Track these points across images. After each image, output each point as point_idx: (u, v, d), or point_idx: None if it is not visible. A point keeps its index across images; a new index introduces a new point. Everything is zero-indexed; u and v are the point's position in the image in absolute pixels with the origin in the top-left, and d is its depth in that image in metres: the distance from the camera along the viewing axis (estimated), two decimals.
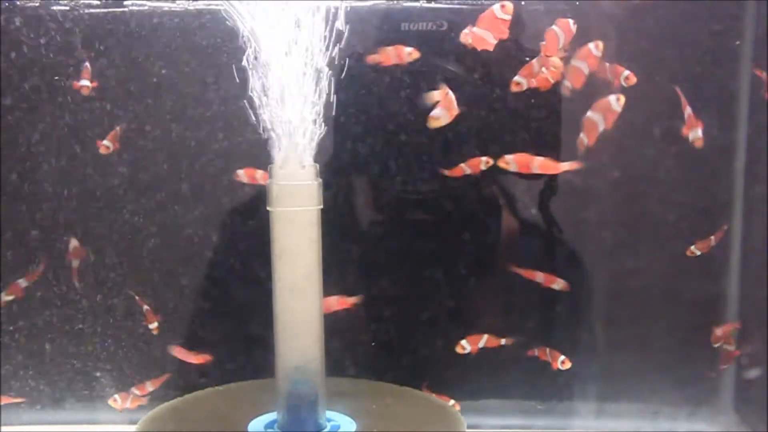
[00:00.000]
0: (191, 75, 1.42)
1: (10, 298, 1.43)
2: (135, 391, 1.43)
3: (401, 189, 1.42)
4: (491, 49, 1.22)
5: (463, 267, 1.44)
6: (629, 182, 1.44)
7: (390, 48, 1.28)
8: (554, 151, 1.40)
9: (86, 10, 1.40)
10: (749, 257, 1.47)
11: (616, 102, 1.17)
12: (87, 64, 1.37)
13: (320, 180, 1.09)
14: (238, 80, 1.06)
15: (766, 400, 1.41)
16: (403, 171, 1.41)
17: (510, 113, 1.38)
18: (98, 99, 1.41)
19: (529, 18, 1.37)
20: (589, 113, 1.17)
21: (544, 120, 1.39)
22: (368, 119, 1.40)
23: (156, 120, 1.44)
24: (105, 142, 1.38)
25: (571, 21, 1.23)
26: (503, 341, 1.37)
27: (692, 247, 1.36)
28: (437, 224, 1.44)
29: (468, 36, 1.21)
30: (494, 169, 1.41)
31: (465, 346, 1.35)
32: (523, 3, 1.37)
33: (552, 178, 1.41)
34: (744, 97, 1.42)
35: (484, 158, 1.31)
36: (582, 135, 1.18)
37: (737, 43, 1.39)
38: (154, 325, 1.44)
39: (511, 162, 1.26)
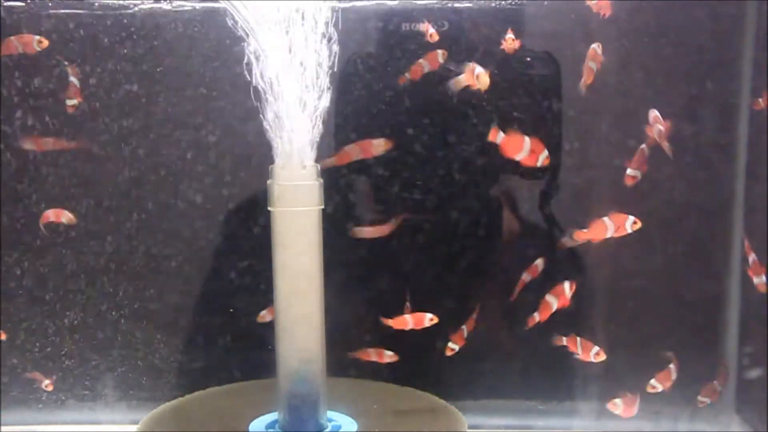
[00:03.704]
0: (192, 74, 1.42)
1: None
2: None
3: (402, 189, 1.42)
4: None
5: (463, 267, 1.45)
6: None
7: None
8: (555, 150, 1.40)
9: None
10: (749, 257, 1.47)
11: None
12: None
13: (321, 180, 1.09)
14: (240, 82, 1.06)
15: (766, 400, 1.41)
16: (404, 171, 1.41)
17: (511, 113, 1.38)
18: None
19: (529, 18, 1.38)
20: None
21: (546, 117, 1.39)
22: (369, 119, 1.40)
23: (156, 119, 1.44)
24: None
25: None
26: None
27: None
28: (438, 224, 1.44)
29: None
30: (495, 170, 1.42)
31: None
32: (524, 2, 1.37)
33: (553, 179, 1.41)
34: (744, 97, 1.42)
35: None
36: None
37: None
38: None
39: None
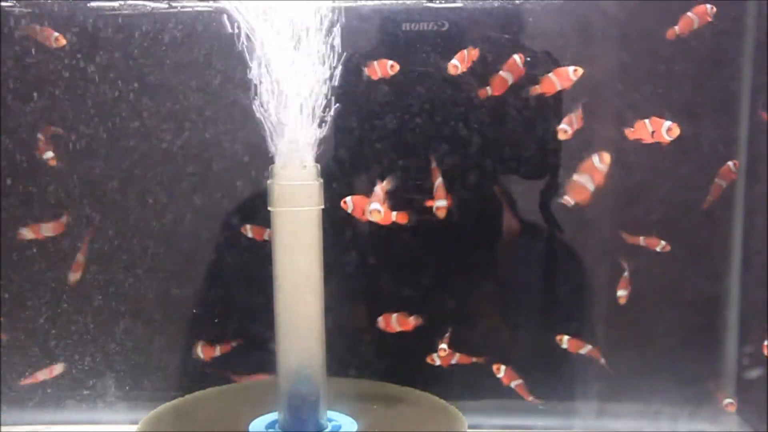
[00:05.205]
0: (193, 75, 1.42)
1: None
2: None
3: (403, 190, 1.42)
4: None
5: (464, 267, 1.44)
6: (630, 182, 1.44)
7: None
8: (555, 150, 1.40)
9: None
10: (749, 257, 1.47)
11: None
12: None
13: (321, 180, 1.09)
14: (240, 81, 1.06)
15: (766, 400, 1.41)
16: (404, 171, 1.41)
17: (510, 114, 1.38)
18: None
19: (529, 18, 1.38)
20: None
21: (544, 119, 1.39)
22: (369, 120, 1.40)
23: (155, 119, 1.44)
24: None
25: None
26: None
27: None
28: (439, 225, 1.44)
29: None
30: (495, 170, 1.42)
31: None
32: (525, 2, 1.37)
33: (553, 178, 1.41)
34: (744, 97, 1.42)
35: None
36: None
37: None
38: None
39: None
